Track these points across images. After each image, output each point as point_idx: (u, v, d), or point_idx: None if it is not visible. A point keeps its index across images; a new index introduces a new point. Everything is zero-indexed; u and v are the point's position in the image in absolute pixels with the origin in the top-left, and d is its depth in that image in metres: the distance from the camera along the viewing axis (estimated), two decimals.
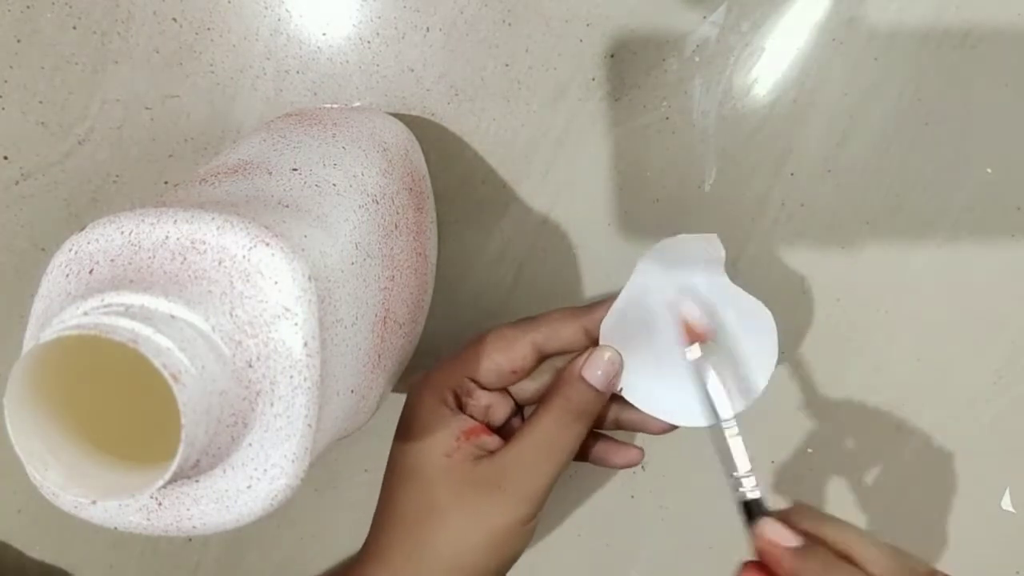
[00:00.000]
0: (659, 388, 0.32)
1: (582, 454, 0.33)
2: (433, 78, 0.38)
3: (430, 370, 0.33)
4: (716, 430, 0.29)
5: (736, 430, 0.29)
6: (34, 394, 0.21)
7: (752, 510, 0.27)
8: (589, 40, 0.38)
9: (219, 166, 0.29)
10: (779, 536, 0.26)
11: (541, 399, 0.32)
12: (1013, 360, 0.42)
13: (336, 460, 0.43)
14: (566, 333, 0.32)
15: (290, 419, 0.23)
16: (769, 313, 0.31)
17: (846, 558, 0.25)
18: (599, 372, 0.30)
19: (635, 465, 0.34)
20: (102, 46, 0.38)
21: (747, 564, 0.27)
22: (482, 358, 0.32)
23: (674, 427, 0.32)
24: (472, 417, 0.32)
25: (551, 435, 0.30)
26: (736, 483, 0.28)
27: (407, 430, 0.32)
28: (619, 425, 0.33)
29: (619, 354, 0.31)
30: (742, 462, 0.28)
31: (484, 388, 0.32)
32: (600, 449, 0.34)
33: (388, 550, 0.30)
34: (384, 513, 0.31)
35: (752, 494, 0.27)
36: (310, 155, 0.30)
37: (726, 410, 0.29)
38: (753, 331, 0.31)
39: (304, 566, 0.44)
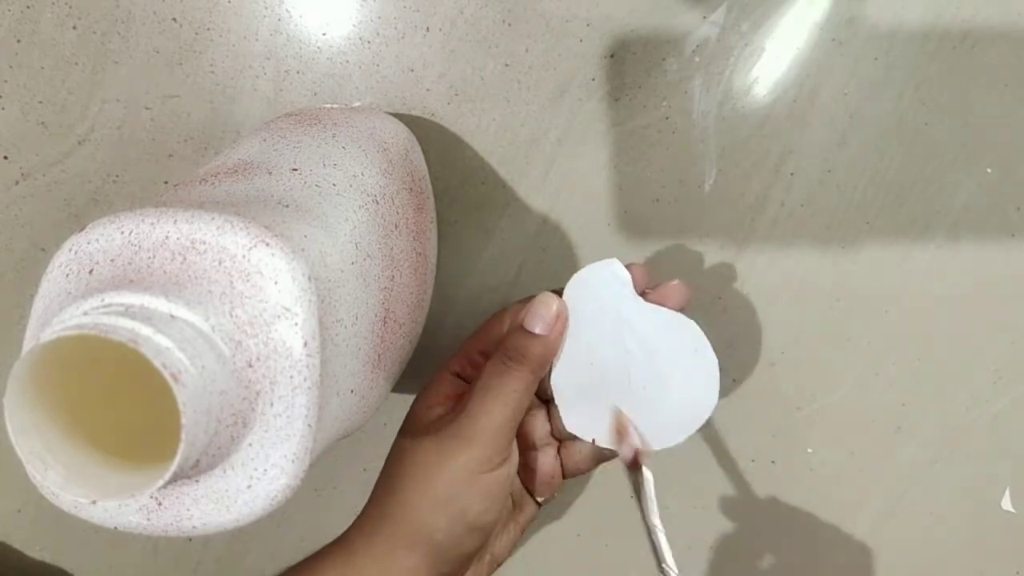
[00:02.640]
0: (608, 424, 0.32)
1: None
2: (433, 78, 0.38)
3: None
4: (648, 529, 0.31)
5: (662, 529, 0.31)
6: (34, 394, 0.21)
7: None
8: (589, 40, 0.38)
9: (219, 166, 0.29)
10: None
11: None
12: (1013, 360, 0.42)
13: (336, 460, 0.43)
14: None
15: (290, 419, 0.23)
16: (693, 323, 0.31)
17: None
18: (536, 319, 0.31)
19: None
20: (102, 46, 0.38)
21: None
22: (490, 331, 0.33)
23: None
24: None
25: (491, 381, 0.30)
26: (665, 572, 0.30)
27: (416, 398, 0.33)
28: (601, 459, 0.34)
29: (559, 300, 0.31)
30: (669, 556, 0.30)
31: None
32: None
33: (371, 504, 0.31)
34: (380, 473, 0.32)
35: None
36: (310, 155, 0.30)
37: (655, 516, 0.31)
38: (686, 346, 0.31)
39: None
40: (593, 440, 0.32)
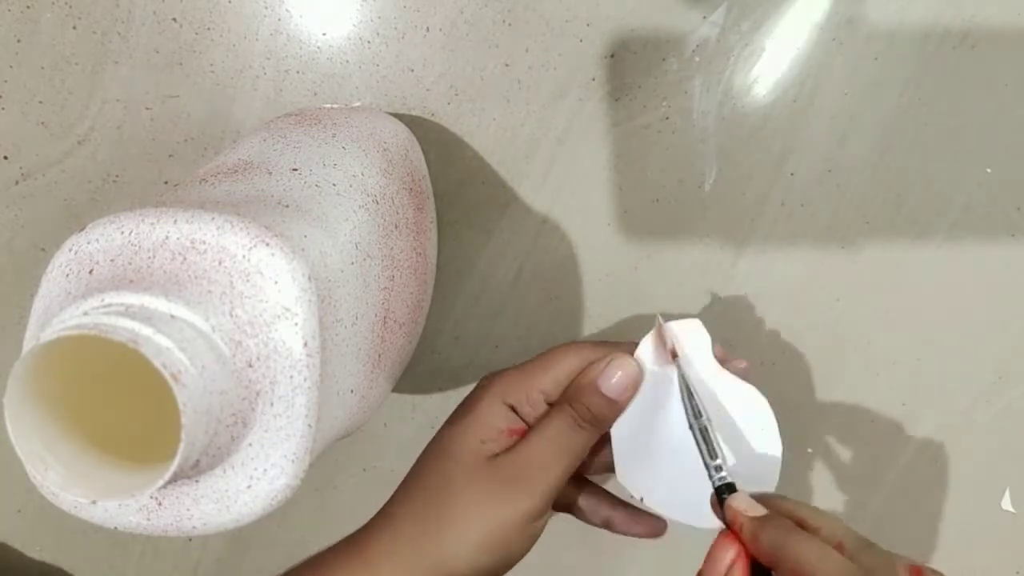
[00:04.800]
0: (664, 486, 0.32)
1: (601, 522, 0.34)
2: (433, 78, 0.38)
3: (507, 368, 0.33)
4: (695, 427, 0.30)
5: (711, 426, 0.30)
6: (34, 394, 0.21)
7: (726, 492, 0.29)
8: (589, 40, 0.38)
9: (219, 166, 0.29)
10: (745, 505, 0.28)
11: (557, 400, 0.32)
12: (1013, 360, 0.42)
13: (336, 460, 0.43)
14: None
15: (290, 419, 0.23)
16: (765, 400, 0.31)
17: (803, 528, 0.27)
18: (612, 381, 0.31)
19: (659, 536, 0.34)
20: (102, 46, 0.38)
21: (721, 533, 0.29)
22: (552, 368, 0.32)
23: (658, 534, 0.33)
24: (525, 423, 0.32)
25: (559, 437, 0.30)
26: (714, 471, 0.29)
27: (459, 414, 0.32)
28: (608, 526, 0.34)
29: (637, 366, 0.31)
30: (717, 453, 0.30)
31: (549, 402, 0.32)
32: (621, 518, 0.34)
33: (400, 519, 0.31)
34: (406, 483, 0.32)
35: (726, 480, 0.29)
36: (310, 155, 0.30)
37: (701, 409, 0.30)
38: (752, 422, 0.31)
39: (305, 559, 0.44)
40: (641, 499, 0.32)
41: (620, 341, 0.33)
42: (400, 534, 0.30)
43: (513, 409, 0.32)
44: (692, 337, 0.31)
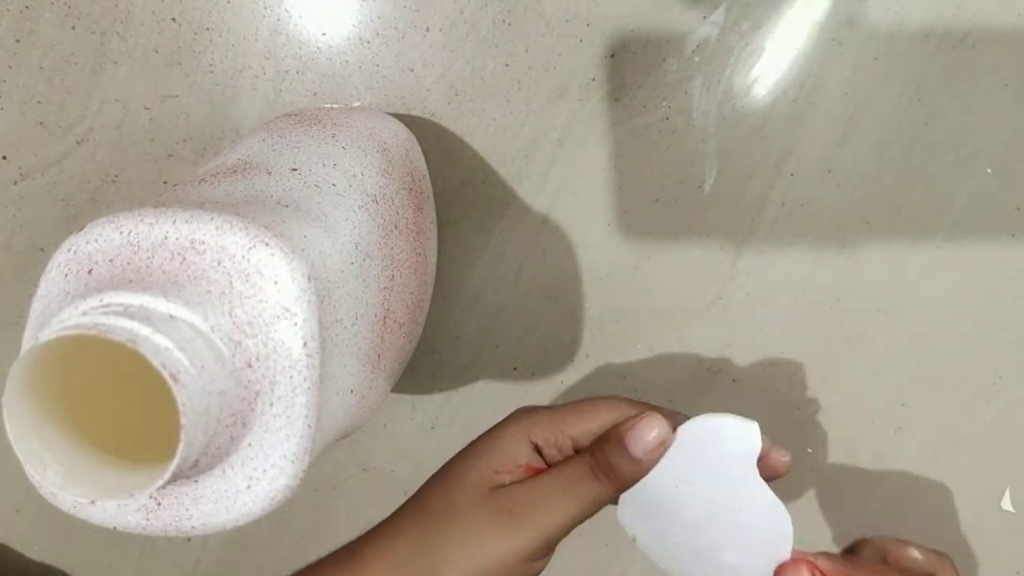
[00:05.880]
0: (662, 541, 0.32)
1: None
2: (433, 78, 0.38)
3: (542, 406, 0.33)
4: None
5: None
6: (33, 394, 0.21)
7: None
8: (589, 40, 0.38)
9: (218, 166, 0.29)
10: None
11: (584, 449, 0.31)
12: (1013, 360, 0.42)
13: (336, 460, 0.43)
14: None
15: (290, 419, 0.23)
16: (788, 517, 0.30)
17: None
18: (639, 439, 0.30)
19: None
20: (102, 46, 0.38)
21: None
22: (589, 416, 0.31)
23: None
24: (547, 464, 0.32)
25: (573, 479, 0.30)
26: None
27: (481, 440, 0.32)
28: None
29: (670, 430, 0.30)
30: None
31: (577, 450, 0.32)
32: None
33: (400, 535, 0.30)
34: (413, 499, 0.31)
35: None
36: (310, 155, 0.30)
37: None
38: (770, 528, 0.31)
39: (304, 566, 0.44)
40: (633, 539, 0.32)
41: (661, 407, 0.32)
42: (395, 550, 0.30)
43: (537, 449, 0.31)
44: (745, 437, 0.30)
